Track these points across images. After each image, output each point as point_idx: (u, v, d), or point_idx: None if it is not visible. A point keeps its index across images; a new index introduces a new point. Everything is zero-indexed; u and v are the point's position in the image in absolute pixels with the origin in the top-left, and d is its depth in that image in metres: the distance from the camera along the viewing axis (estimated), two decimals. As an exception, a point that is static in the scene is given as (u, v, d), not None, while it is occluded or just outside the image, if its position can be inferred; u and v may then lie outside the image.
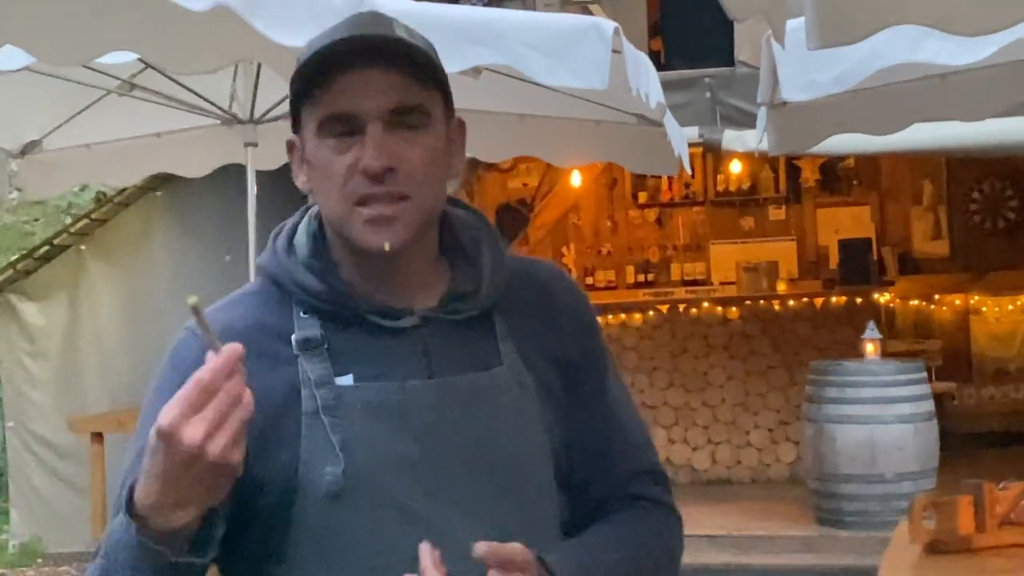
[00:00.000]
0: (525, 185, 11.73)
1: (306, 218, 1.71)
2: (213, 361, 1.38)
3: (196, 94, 5.48)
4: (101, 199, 9.82)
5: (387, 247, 1.60)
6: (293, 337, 1.63)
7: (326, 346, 1.62)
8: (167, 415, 1.36)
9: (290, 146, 1.69)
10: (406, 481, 1.58)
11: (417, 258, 1.66)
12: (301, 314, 1.65)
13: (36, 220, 15.48)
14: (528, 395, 1.67)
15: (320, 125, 1.60)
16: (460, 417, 1.61)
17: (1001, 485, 2.83)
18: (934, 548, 2.75)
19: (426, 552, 1.50)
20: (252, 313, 1.67)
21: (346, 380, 1.61)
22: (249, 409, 1.39)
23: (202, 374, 1.37)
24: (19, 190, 6.95)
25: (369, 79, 1.58)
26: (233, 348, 1.38)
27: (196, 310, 1.43)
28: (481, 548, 1.48)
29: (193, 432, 1.35)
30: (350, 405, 1.59)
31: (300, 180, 1.68)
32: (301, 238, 1.69)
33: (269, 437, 1.57)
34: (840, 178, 11.59)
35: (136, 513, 1.42)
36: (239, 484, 1.47)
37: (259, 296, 1.70)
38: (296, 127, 1.67)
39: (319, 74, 1.58)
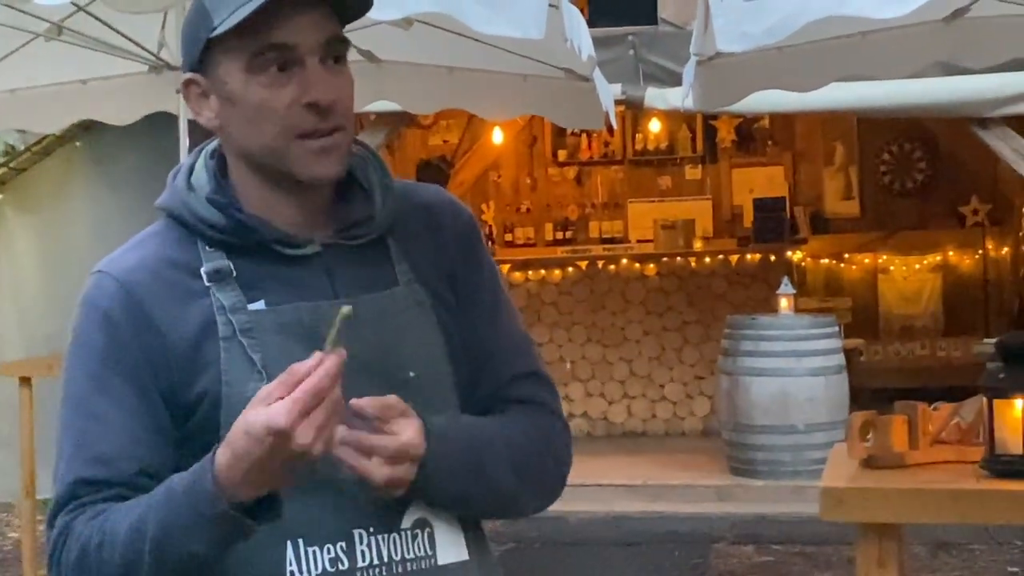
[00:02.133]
0: (445, 142, 11.71)
1: (202, 157, 1.74)
2: (326, 367, 1.43)
3: (128, 38, 5.43)
4: (10, 151, 9.66)
5: (333, 175, 1.65)
6: (202, 270, 1.66)
7: (234, 275, 1.66)
8: (285, 416, 1.41)
9: (187, 83, 1.70)
10: None
11: (327, 188, 1.70)
12: (207, 248, 1.67)
13: (-56, 171, 15.17)
14: (425, 311, 1.72)
15: (251, 59, 1.61)
16: (367, 334, 1.65)
17: (934, 406, 2.94)
18: (870, 463, 2.83)
19: (351, 406, 1.56)
20: (160, 251, 1.69)
21: (258, 305, 1.64)
22: (341, 415, 1.47)
23: (318, 381, 1.42)
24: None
25: (305, 12, 1.60)
26: (340, 355, 1.44)
27: (346, 318, 1.49)
28: (359, 401, 1.55)
29: (305, 435, 1.42)
30: (265, 327, 1.63)
31: (204, 117, 1.69)
32: (200, 176, 1.71)
33: (190, 365, 1.62)
34: (755, 139, 11.70)
35: (219, 486, 1.47)
36: (171, 410, 1.54)
37: (164, 235, 1.72)
38: (199, 66, 1.67)
39: (250, 7, 1.59)
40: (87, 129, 8.41)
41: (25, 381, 6.32)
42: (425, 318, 1.71)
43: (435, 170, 11.74)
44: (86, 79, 6.16)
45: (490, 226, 11.70)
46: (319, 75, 1.61)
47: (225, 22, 1.59)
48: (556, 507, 7.01)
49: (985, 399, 2.77)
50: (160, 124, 6.03)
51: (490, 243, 11.37)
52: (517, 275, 10.38)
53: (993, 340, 3.13)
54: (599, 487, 8.28)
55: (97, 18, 5.20)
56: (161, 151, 5.84)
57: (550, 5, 4.40)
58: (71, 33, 5.52)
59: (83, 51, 5.60)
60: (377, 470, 1.55)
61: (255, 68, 1.62)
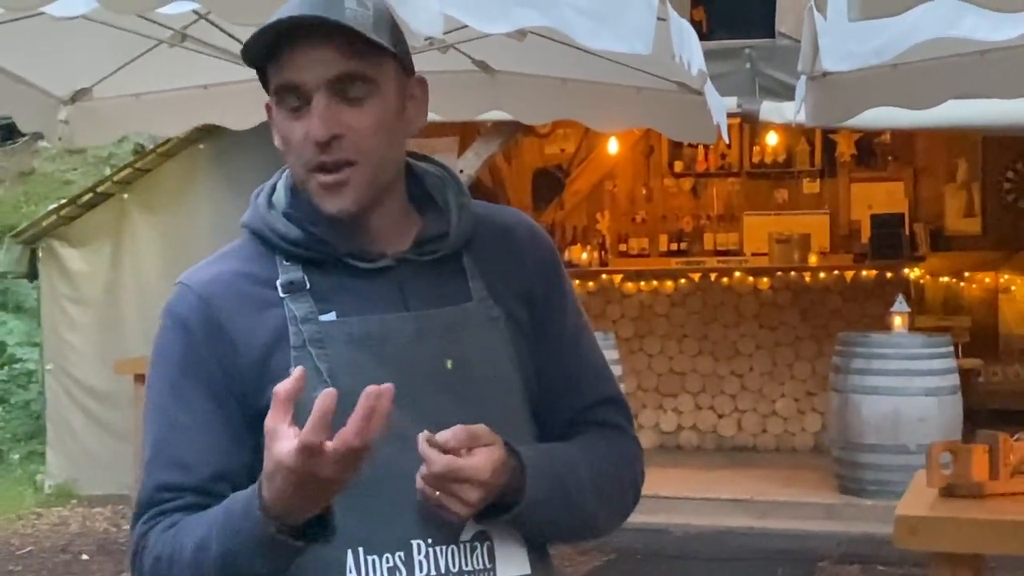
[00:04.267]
0: (562, 151, 11.75)
1: (284, 176, 1.79)
2: (325, 402, 1.43)
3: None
4: (140, 150, 9.91)
5: (338, 213, 1.68)
6: (278, 282, 1.70)
7: (308, 287, 1.70)
8: (292, 456, 1.45)
9: (268, 108, 1.75)
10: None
11: (382, 213, 1.73)
12: (284, 261, 1.72)
13: (75, 169, 15.56)
14: (498, 327, 1.74)
15: (276, 95, 1.68)
16: (436, 347, 1.69)
17: (1016, 436, 2.91)
18: (949, 492, 2.81)
19: (423, 439, 1.58)
20: (239, 265, 1.75)
21: (329, 317, 1.68)
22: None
23: (319, 418, 1.43)
24: (61, 140, 7.02)
25: (309, 53, 1.63)
26: (381, 390, 1.45)
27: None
28: (443, 435, 1.58)
29: (326, 469, 1.45)
30: (334, 338, 1.67)
31: (276, 141, 1.75)
32: (280, 193, 1.77)
33: (262, 373, 1.66)
34: (875, 153, 11.58)
35: (269, 513, 1.51)
36: (246, 416, 1.59)
37: (244, 250, 1.77)
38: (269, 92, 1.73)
39: (268, 48, 1.65)
40: (208, 132, 8.58)
41: (140, 378, 6.46)
42: (496, 333, 1.75)
43: (551, 178, 11.79)
44: (207, 85, 6.28)
45: (604, 235, 11.70)
46: (319, 111, 1.64)
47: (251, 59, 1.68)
48: (660, 519, 7.11)
49: (1070, 431, 2.75)
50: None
51: (603, 252, 11.38)
52: (630, 285, 10.39)
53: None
54: (705, 500, 8.28)
55: (218, 26, 5.31)
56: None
57: (659, 19, 4.40)
58: (193, 40, 5.65)
59: (204, 58, 5.72)
60: (420, 484, 1.59)
61: (280, 103, 1.69)
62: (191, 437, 1.59)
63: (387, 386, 1.44)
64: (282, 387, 1.47)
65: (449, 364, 1.70)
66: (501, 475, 1.62)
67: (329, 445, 1.43)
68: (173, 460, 1.67)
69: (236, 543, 1.55)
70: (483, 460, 1.59)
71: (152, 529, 1.66)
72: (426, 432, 1.59)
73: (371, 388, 1.43)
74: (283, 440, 1.45)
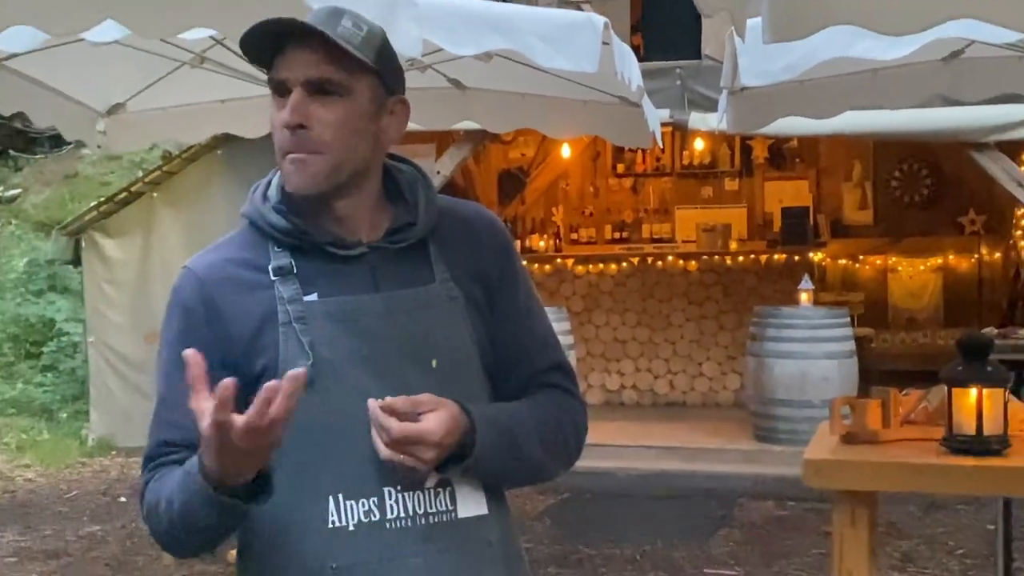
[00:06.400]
0: (523, 155, 11.69)
1: (277, 174, 1.75)
2: (225, 388, 1.43)
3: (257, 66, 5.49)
4: (167, 155, 9.83)
5: (296, 191, 1.66)
6: (270, 267, 1.68)
7: (295, 272, 1.67)
8: (206, 426, 1.45)
9: None
10: (362, 372, 1.63)
11: (354, 204, 1.70)
12: (275, 249, 1.69)
13: (112, 172, 15.44)
14: (457, 305, 1.72)
15: (272, 90, 1.67)
16: (403, 322, 1.67)
17: (904, 392, 2.93)
18: (848, 439, 2.82)
19: (374, 405, 1.57)
20: (237, 251, 1.72)
21: (312, 297, 1.66)
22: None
23: (220, 401, 1.43)
24: (99, 147, 6.96)
25: (296, 56, 1.62)
26: (291, 375, 1.45)
27: None
28: (393, 401, 1.57)
29: (237, 437, 1.45)
30: (315, 315, 1.65)
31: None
32: (273, 189, 1.74)
33: (255, 344, 1.64)
34: (785, 156, 11.58)
35: (208, 476, 1.51)
36: (240, 381, 1.54)
37: (242, 237, 1.75)
38: None
39: (267, 52, 1.65)
40: (224, 140, 8.52)
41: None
42: (456, 310, 1.72)
43: (514, 178, 11.74)
44: (223, 99, 6.24)
45: (558, 226, 11.68)
46: (293, 102, 1.63)
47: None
48: (606, 464, 7.12)
49: (946, 388, 2.75)
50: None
51: (558, 240, 11.37)
52: (580, 268, 10.40)
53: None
54: (644, 448, 8.31)
55: (232, 50, 5.27)
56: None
57: (603, 43, 4.40)
58: (211, 62, 5.61)
59: (221, 76, 5.68)
60: (382, 449, 1.58)
61: (273, 94, 1.67)
62: (187, 401, 1.55)
63: (297, 371, 1.44)
64: (194, 371, 1.46)
65: (434, 363, 1.68)
66: (453, 434, 1.60)
67: (238, 420, 1.42)
68: (171, 420, 1.64)
69: (189, 499, 1.55)
70: (434, 424, 1.58)
71: (151, 479, 1.66)
72: (375, 400, 1.57)
73: (271, 383, 1.43)
74: (204, 418, 1.44)
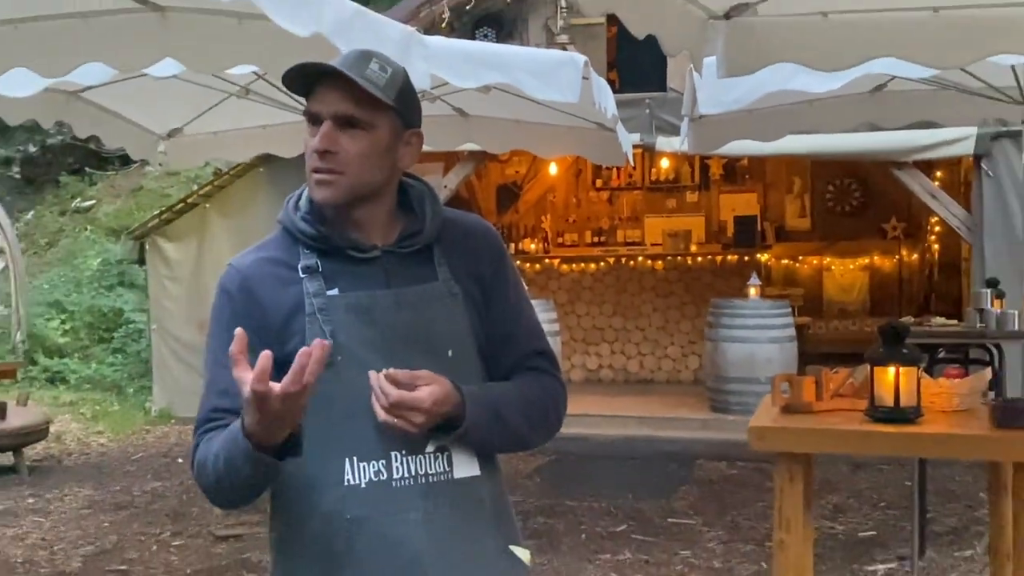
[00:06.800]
0: (517, 172, 11.69)
1: (306, 188, 1.73)
2: (261, 365, 1.42)
3: (292, 97, 5.49)
4: (218, 172, 9.81)
5: (320, 201, 1.65)
6: (299, 266, 1.67)
7: (320, 270, 1.66)
8: (248, 392, 1.43)
9: None
10: (374, 355, 1.62)
11: (371, 215, 1.69)
12: (304, 251, 1.68)
13: (171, 186, 15.42)
14: (457, 300, 1.70)
15: (307, 118, 1.65)
16: (411, 314, 1.66)
17: (834, 370, 2.93)
18: (787, 410, 2.82)
19: (374, 376, 1.56)
20: (272, 252, 1.71)
21: (333, 292, 1.65)
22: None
23: (258, 373, 1.42)
24: (161, 165, 6.94)
25: (328, 94, 1.61)
26: (267, 355, 1.43)
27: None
28: (395, 372, 1.56)
29: (275, 402, 1.43)
30: (336, 307, 1.64)
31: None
32: (303, 200, 1.72)
33: (286, 330, 1.63)
34: (736, 173, 11.59)
35: (248, 436, 1.50)
36: (273, 360, 1.50)
37: (277, 240, 1.73)
38: None
39: (306, 85, 1.63)
40: (266, 159, 8.50)
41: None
42: (456, 304, 1.71)
43: (509, 192, 11.75)
44: (264, 125, 6.25)
45: (547, 232, 11.67)
46: (323, 131, 1.62)
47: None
48: (586, 431, 7.08)
49: (869, 367, 2.75)
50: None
51: (546, 243, 11.36)
52: (565, 267, 10.39)
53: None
54: (617, 417, 8.30)
55: (272, 83, 5.27)
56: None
57: (584, 78, 4.39)
58: (254, 94, 5.61)
59: (262, 106, 5.68)
60: (379, 412, 1.57)
61: (308, 122, 1.66)
62: (232, 373, 1.55)
63: (319, 343, 1.43)
64: (238, 346, 1.44)
65: (450, 353, 1.68)
66: (443, 405, 1.59)
67: (275, 387, 1.42)
68: (220, 390, 1.63)
69: (233, 455, 1.54)
70: (424, 394, 1.57)
71: (202, 440, 1.64)
72: (375, 371, 1.57)
73: (304, 349, 1.42)
74: (244, 386, 1.43)
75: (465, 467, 1.67)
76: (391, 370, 1.58)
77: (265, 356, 1.41)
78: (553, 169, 11.53)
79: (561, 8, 8.83)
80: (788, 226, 11.53)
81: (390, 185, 1.72)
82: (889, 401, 2.70)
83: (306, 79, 1.64)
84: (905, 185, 7.95)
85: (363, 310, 1.65)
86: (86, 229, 15.26)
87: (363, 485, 1.62)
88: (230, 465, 1.55)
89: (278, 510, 1.69)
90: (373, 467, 1.62)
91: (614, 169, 11.48)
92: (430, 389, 1.58)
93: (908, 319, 5.45)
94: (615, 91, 5.64)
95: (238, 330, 1.46)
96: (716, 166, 11.46)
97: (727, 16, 3.03)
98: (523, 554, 1.73)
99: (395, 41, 3.43)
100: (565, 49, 7.61)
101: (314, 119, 1.65)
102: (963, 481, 6.53)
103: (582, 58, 4.44)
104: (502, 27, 8.96)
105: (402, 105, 1.66)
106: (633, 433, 8.03)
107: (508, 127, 6.18)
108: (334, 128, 1.62)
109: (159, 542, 5.76)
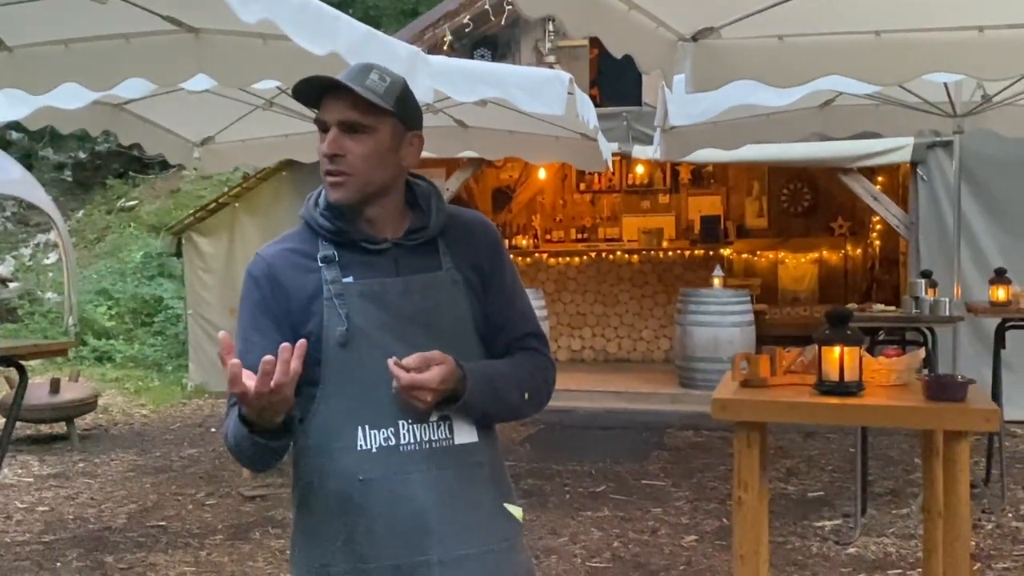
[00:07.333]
0: (510, 176, 11.65)
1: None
2: (233, 365, 1.45)
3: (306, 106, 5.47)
4: (246, 176, 9.76)
5: (335, 201, 1.64)
6: (318, 256, 1.66)
7: (337, 260, 1.66)
8: (233, 388, 1.47)
9: None
10: (385, 336, 1.62)
11: (381, 211, 1.68)
12: (322, 243, 1.67)
13: (205, 188, 15.36)
14: (458, 287, 1.70)
15: (317, 126, 1.64)
16: (417, 299, 1.65)
17: (787, 349, 2.93)
18: (745, 384, 2.82)
19: (391, 362, 1.56)
20: (295, 243, 1.70)
21: (349, 279, 1.64)
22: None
23: (232, 371, 1.45)
24: (195, 169, 6.91)
25: (333, 103, 1.60)
26: (284, 348, 1.46)
27: None
28: (408, 359, 1.56)
29: (253, 401, 1.48)
30: (351, 293, 1.63)
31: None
32: (322, 198, 1.71)
33: (306, 312, 1.62)
34: (703, 177, 11.57)
35: (245, 421, 1.54)
36: (294, 340, 1.51)
37: (299, 233, 1.72)
38: None
39: (315, 97, 1.62)
40: (289, 164, 8.50)
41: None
42: (457, 291, 1.71)
43: (503, 194, 11.71)
44: (287, 134, 6.25)
45: (536, 229, 11.64)
46: (331, 137, 1.61)
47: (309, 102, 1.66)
48: (571, 404, 7.07)
49: (818, 347, 2.75)
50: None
51: (536, 240, 11.35)
52: (552, 260, 10.38)
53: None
54: (597, 392, 8.31)
55: (293, 96, 5.24)
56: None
57: (569, 93, 4.40)
58: (278, 106, 5.60)
59: (285, 117, 5.67)
60: (400, 392, 1.58)
61: (319, 130, 1.65)
62: (261, 350, 1.53)
63: (291, 345, 1.45)
64: (226, 348, 1.47)
65: (452, 333, 1.67)
66: (448, 382, 1.59)
67: (250, 387, 1.45)
68: (249, 366, 1.59)
69: (238, 436, 1.57)
70: (433, 375, 1.57)
71: (231, 411, 1.63)
72: (393, 357, 1.56)
73: (268, 357, 1.44)
74: (232, 387, 1.47)
75: (465, 434, 1.67)
76: (405, 359, 1.57)
77: (235, 364, 1.44)
78: (542, 174, 11.50)
79: (549, 32, 8.82)
80: (748, 225, 11.52)
81: (397, 183, 1.71)
82: (835, 377, 2.70)
83: (314, 91, 1.63)
84: (850, 189, 7.95)
85: (375, 295, 1.65)
86: (130, 226, 15.22)
87: (374, 450, 1.61)
88: (238, 443, 1.58)
89: (299, 473, 1.70)
90: (383, 434, 1.62)
91: (596, 174, 11.47)
92: (439, 370, 1.58)
93: (852, 306, 5.46)
94: (596, 105, 5.65)
95: (221, 333, 1.47)
96: (685, 171, 11.43)
97: (694, 39, 3.03)
98: (516, 511, 1.73)
99: (402, 59, 3.42)
100: (552, 68, 7.60)
101: (323, 127, 1.63)
102: (900, 448, 6.56)
103: (567, 76, 4.46)
104: (497, 48, 8.96)
105: (401, 110, 1.65)
106: (612, 406, 8.05)
107: (503, 136, 6.18)
108: (340, 134, 1.61)
109: (194, 501, 5.76)
